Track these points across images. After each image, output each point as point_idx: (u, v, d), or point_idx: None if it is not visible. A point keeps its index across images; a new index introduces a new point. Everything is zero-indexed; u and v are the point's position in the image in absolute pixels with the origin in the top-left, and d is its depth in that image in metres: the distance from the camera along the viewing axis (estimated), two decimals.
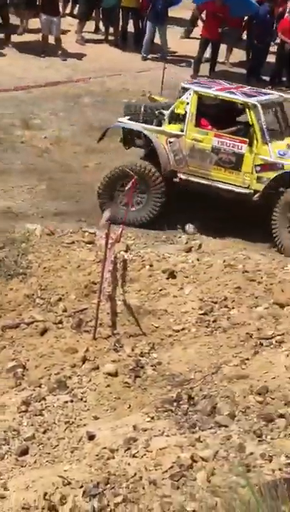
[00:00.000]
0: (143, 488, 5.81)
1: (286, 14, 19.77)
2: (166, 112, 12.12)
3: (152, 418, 7.07)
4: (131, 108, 12.74)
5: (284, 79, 20.01)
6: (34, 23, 20.26)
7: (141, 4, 20.66)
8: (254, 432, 6.70)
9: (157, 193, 11.76)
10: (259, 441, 6.60)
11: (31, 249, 10.50)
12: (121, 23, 21.19)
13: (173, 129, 11.94)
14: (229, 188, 11.52)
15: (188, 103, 11.76)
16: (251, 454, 6.30)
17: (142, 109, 12.48)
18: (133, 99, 17.48)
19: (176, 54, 21.20)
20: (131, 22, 21.27)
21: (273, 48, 20.64)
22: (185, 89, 12.01)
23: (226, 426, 6.83)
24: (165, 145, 11.90)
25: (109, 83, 18.18)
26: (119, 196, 11.90)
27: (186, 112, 11.77)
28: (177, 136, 11.83)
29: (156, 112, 12.35)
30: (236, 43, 20.97)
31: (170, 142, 11.88)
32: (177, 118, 11.94)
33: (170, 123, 12.02)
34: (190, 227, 11.90)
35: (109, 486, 5.86)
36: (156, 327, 9.20)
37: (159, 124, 12.17)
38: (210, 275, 10.11)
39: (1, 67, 18.27)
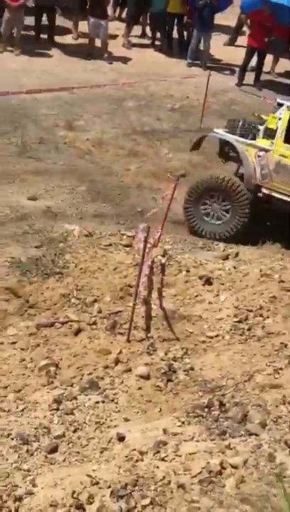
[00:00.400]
0: (172, 491, 5.79)
1: None
2: (261, 127, 12.22)
3: (182, 423, 7.04)
4: (232, 122, 12.84)
5: None
6: (81, 25, 20.40)
7: (188, 11, 20.71)
8: (284, 442, 6.63)
9: (241, 208, 11.84)
10: None
11: (69, 250, 10.52)
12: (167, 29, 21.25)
13: (264, 143, 12.05)
14: None
15: (280, 118, 11.84)
16: (282, 463, 6.26)
17: (240, 124, 12.56)
18: (176, 105, 17.60)
19: (221, 62, 21.22)
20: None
21: None
22: (280, 105, 12.05)
23: (257, 434, 6.77)
24: (254, 159, 12.00)
25: (153, 88, 18.24)
26: (204, 208, 12.05)
27: (277, 127, 11.82)
28: (265, 150, 11.95)
29: (253, 127, 12.47)
30: (282, 53, 20.91)
31: (258, 156, 12.02)
32: (271, 134, 11.99)
33: (263, 138, 12.12)
34: None
35: (137, 487, 5.84)
36: (190, 332, 9.18)
37: (254, 139, 12.28)
38: (246, 283, 10.07)
39: (47, 67, 18.43)
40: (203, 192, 12.09)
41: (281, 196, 11.84)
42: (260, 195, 12.06)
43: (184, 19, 21.23)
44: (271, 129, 11.97)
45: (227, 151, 12.78)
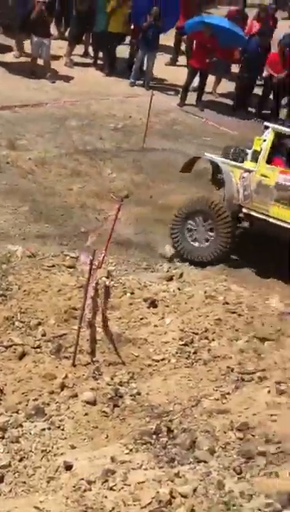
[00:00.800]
0: None
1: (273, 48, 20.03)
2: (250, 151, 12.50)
3: (130, 450, 6.96)
4: (226, 149, 13.22)
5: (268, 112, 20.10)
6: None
7: (133, 31, 20.72)
8: (233, 469, 6.61)
9: (224, 228, 11.91)
10: (239, 478, 6.51)
11: (12, 271, 10.42)
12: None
13: (249, 165, 12.30)
14: (287, 226, 11.67)
15: (264, 140, 12.08)
16: (231, 491, 6.21)
17: (232, 150, 12.90)
18: (119, 124, 17.56)
19: (163, 82, 21.26)
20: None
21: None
22: (266, 128, 12.36)
23: (205, 461, 6.74)
24: (238, 180, 12.22)
25: (95, 106, 18.15)
26: (189, 231, 12.19)
27: (261, 148, 12.07)
28: (249, 171, 12.12)
29: (243, 152, 12.75)
30: (224, 74, 21.06)
31: (243, 177, 12.24)
32: (257, 157, 12.22)
33: (251, 161, 12.35)
34: (168, 249, 12.00)
35: None
36: (136, 356, 9.13)
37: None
38: (191, 305, 10.08)
39: None
40: (187, 216, 12.25)
41: (259, 215, 11.99)
42: (241, 215, 12.29)
43: (126, 39, 21.24)
44: (258, 151, 12.18)
45: (219, 178, 12.95)
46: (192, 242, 12.15)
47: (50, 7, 19.64)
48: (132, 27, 20.68)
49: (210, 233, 12.03)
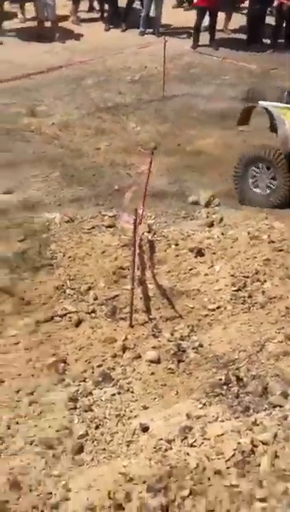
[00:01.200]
0: (209, 479, 5.69)
1: None
2: None
3: (203, 404, 6.93)
4: (280, 94, 12.67)
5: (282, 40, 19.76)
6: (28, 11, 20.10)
7: None
8: None
9: (284, 174, 11.66)
10: None
11: (53, 239, 10.38)
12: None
13: None
14: None
15: None
16: None
17: (286, 93, 12.40)
18: (136, 76, 17.39)
19: (173, 26, 20.98)
20: None
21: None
22: None
23: (280, 406, 6.71)
24: None
25: (109, 62, 18.02)
26: (250, 178, 12.00)
27: None
28: None
29: None
30: (233, 9, 20.71)
31: None
32: None
33: None
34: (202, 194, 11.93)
35: (172, 479, 5.74)
36: (192, 308, 9.05)
37: None
38: (237, 249, 9.97)
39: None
40: (249, 162, 12.03)
41: None
42: None
43: None
44: None
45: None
46: (254, 189, 11.98)
47: None
48: None
49: (273, 181, 11.83)
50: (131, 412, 7.16)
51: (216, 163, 13.23)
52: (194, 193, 12.11)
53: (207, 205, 11.84)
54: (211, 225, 10.87)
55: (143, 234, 10.13)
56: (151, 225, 10.64)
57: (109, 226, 10.67)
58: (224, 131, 14.54)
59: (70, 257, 9.92)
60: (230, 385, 7.21)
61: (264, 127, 13.66)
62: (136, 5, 20.90)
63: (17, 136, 14.10)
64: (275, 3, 19.77)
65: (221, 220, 10.97)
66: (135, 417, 7.08)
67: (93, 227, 10.66)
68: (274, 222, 10.66)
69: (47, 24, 19.36)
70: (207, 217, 11.20)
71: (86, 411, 7.14)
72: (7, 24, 19.87)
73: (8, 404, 7.33)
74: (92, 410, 7.16)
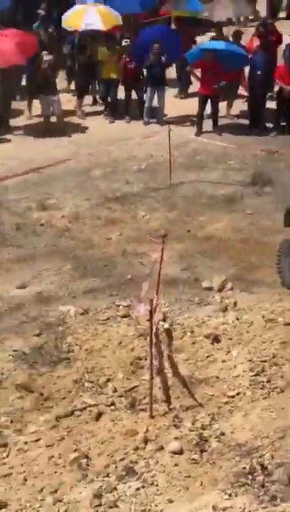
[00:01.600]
0: None
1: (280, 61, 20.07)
2: None
3: (229, 495, 6.88)
4: None
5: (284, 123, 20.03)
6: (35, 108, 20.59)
7: (125, 73, 20.76)
8: None
9: None
10: None
11: (68, 332, 10.41)
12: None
13: None
14: None
15: None
16: None
17: None
18: (142, 165, 17.63)
19: (176, 115, 21.32)
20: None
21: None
22: None
23: None
24: None
25: (115, 153, 18.24)
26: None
27: None
28: None
29: None
30: (234, 97, 21.11)
31: None
32: None
33: None
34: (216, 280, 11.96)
35: None
36: (211, 395, 9.03)
37: None
38: (253, 333, 9.97)
39: (8, 153, 18.42)
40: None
41: None
42: None
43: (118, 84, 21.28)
44: None
45: None
46: None
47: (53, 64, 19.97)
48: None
49: None
50: (156, 506, 7.09)
51: (226, 247, 13.34)
52: (206, 278, 12.13)
53: (221, 289, 11.88)
54: (225, 309, 10.88)
55: (158, 323, 10.15)
56: (165, 313, 10.66)
57: (124, 316, 10.71)
58: (231, 214, 14.71)
59: (86, 349, 9.95)
60: (255, 474, 7.15)
61: (267, 208, 13.88)
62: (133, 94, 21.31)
63: (28, 231, 14.25)
64: (276, 88, 20.16)
65: (235, 304, 11.00)
66: (161, 511, 6.99)
67: (108, 318, 10.70)
68: (288, 304, 10.66)
69: (54, 119, 19.79)
70: (221, 301, 11.22)
71: (111, 507, 7.07)
72: (14, 121, 20.29)
73: (32, 505, 7.25)
74: (117, 506, 7.10)
